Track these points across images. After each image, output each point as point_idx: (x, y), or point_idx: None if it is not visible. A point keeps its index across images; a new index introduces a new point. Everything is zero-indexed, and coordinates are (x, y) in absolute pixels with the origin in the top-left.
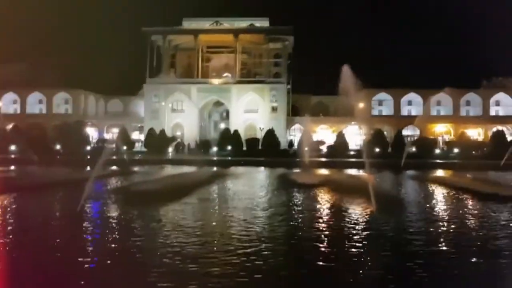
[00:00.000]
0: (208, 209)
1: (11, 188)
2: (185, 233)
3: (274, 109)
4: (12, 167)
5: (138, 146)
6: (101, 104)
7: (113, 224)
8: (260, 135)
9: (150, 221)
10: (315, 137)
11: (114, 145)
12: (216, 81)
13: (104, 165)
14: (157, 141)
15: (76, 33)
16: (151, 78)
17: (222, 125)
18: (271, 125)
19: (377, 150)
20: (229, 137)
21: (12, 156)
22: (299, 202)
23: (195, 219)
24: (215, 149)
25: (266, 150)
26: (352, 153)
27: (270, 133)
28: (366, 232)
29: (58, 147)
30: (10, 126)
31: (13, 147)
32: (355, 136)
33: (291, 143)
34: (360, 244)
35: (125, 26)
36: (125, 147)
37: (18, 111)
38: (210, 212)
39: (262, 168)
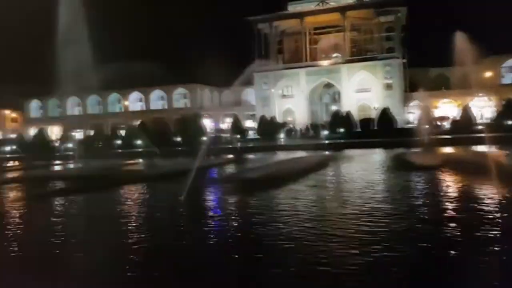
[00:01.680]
0: (325, 194)
1: (141, 178)
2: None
3: (388, 86)
4: (140, 160)
5: (251, 134)
6: (216, 96)
7: (228, 210)
8: (374, 115)
9: (269, 207)
10: (437, 113)
11: (228, 134)
12: (325, 63)
13: (219, 154)
14: (269, 128)
15: (186, 32)
16: (260, 66)
17: (334, 108)
18: (385, 103)
19: (510, 123)
20: (341, 119)
21: (139, 150)
22: (423, 187)
23: (314, 204)
24: (326, 132)
25: (381, 130)
26: (479, 127)
27: (385, 112)
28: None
29: (178, 139)
30: (137, 123)
31: (139, 142)
32: (483, 109)
33: (408, 121)
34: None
35: (227, 17)
36: (238, 136)
37: (144, 108)
38: (329, 197)
39: (378, 150)
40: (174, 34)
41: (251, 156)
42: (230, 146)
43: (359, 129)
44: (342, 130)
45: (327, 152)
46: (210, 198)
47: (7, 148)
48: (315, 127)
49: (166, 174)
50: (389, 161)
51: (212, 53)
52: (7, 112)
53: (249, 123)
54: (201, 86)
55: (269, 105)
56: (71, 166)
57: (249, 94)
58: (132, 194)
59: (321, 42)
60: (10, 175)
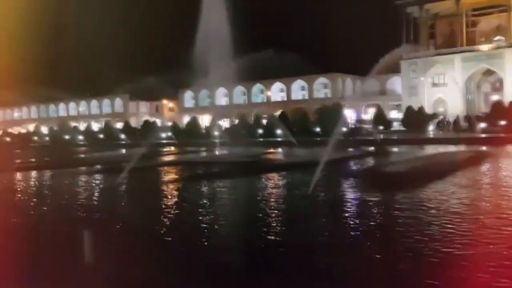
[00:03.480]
0: (480, 196)
1: (276, 167)
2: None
3: None
4: (279, 149)
5: (396, 125)
6: (358, 85)
7: (360, 209)
8: None
9: (410, 207)
10: None
11: (370, 126)
12: (485, 47)
13: (359, 146)
14: (416, 119)
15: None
16: (408, 52)
17: (494, 97)
18: None
19: None
20: (502, 110)
21: (279, 139)
22: None
23: (466, 209)
24: (484, 125)
25: None
26: None
27: None
28: None
29: (317, 129)
30: (278, 113)
31: (279, 131)
32: None
33: None
34: None
35: (372, 2)
36: (381, 127)
37: (285, 99)
38: (485, 200)
39: None
40: (317, 21)
41: (394, 149)
42: (371, 138)
43: None
44: (503, 122)
45: (484, 148)
46: (341, 193)
47: (163, 135)
48: (470, 119)
49: (301, 164)
50: None
51: (355, 40)
52: (165, 101)
53: (393, 114)
54: (342, 75)
55: (417, 95)
56: (217, 152)
57: (395, 83)
58: (266, 182)
59: (481, 25)
60: (166, 158)
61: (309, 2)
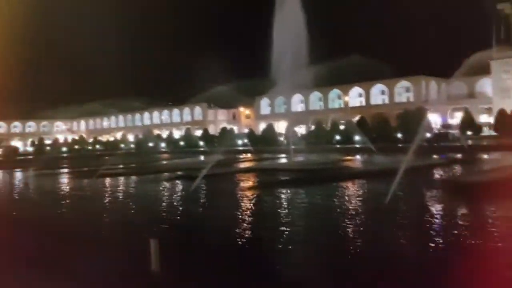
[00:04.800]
0: None
1: (354, 175)
2: None
3: None
4: (357, 156)
5: (486, 130)
6: (443, 88)
7: (440, 220)
8: None
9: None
10: None
11: (457, 131)
12: None
13: (444, 152)
14: (509, 122)
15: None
16: (499, 52)
17: None
18: None
19: None
20: None
21: (357, 146)
22: None
23: None
24: None
25: None
26: None
27: None
28: None
29: (399, 135)
30: (356, 118)
31: (357, 137)
32: None
33: None
34: None
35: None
36: (469, 132)
37: (364, 104)
38: None
39: None
40: (396, 21)
41: (484, 156)
42: (458, 144)
43: None
44: None
45: None
46: (421, 204)
47: (240, 142)
48: None
49: (379, 172)
50: None
51: (439, 41)
52: (242, 109)
53: (483, 118)
54: (426, 78)
55: (510, 97)
56: (293, 159)
57: (484, 85)
58: (342, 190)
59: None
60: (242, 165)
61: (386, 2)
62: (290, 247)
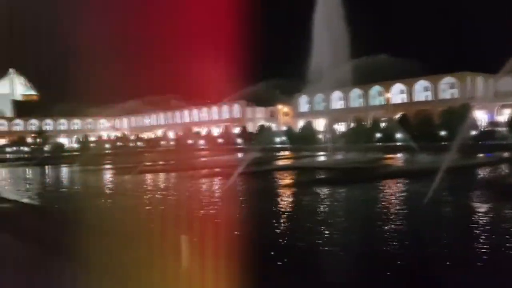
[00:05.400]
0: None
1: (395, 174)
2: None
3: None
4: (398, 155)
5: None
6: (490, 84)
7: (484, 221)
8: None
9: None
10: None
11: (505, 129)
12: None
13: (492, 151)
14: None
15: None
16: None
17: None
18: None
19: None
20: None
21: (398, 144)
22: None
23: None
24: None
25: None
26: None
27: None
28: None
29: (443, 133)
30: (398, 116)
31: (398, 135)
32: None
33: None
34: None
35: None
36: None
37: (406, 100)
38: None
39: None
40: (440, 16)
41: None
42: (506, 143)
43: None
44: None
45: None
46: (463, 204)
47: (278, 139)
48: None
49: (420, 171)
50: None
51: (488, 35)
52: (280, 106)
53: None
54: (471, 74)
55: None
56: (332, 157)
57: None
58: (381, 190)
59: None
60: (280, 163)
61: None
62: (331, 249)
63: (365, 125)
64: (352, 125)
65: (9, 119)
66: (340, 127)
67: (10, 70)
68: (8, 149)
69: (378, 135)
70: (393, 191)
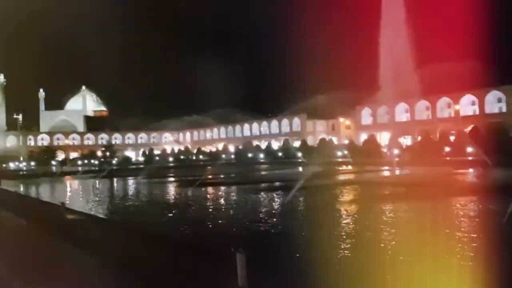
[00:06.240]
0: None
1: (466, 190)
2: None
3: None
4: (469, 170)
5: None
6: None
7: None
8: None
9: None
10: None
11: None
12: None
13: None
14: None
15: None
16: None
17: None
18: None
19: None
20: None
21: (469, 158)
22: None
23: None
24: None
25: None
26: None
27: None
28: None
29: None
30: (468, 128)
31: (469, 149)
32: None
33: None
34: None
35: None
36: None
37: (477, 112)
38: None
39: None
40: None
41: None
42: None
43: None
44: None
45: None
46: None
47: (339, 153)
48: None
49: (496, 187)
50: None
51: None
52: (341, 119)
53: None
54: None
55: None
56: (399, 172)
57: None
58: (450, 207)
59: None
60: (341, 177)
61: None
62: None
63: (432, 138)
64: (419, 138)
65: (81, 134)
66: (406, 141)
67: (83, 87)
68: (79, 162)
69: (447, 149)
70: (466, 209)
